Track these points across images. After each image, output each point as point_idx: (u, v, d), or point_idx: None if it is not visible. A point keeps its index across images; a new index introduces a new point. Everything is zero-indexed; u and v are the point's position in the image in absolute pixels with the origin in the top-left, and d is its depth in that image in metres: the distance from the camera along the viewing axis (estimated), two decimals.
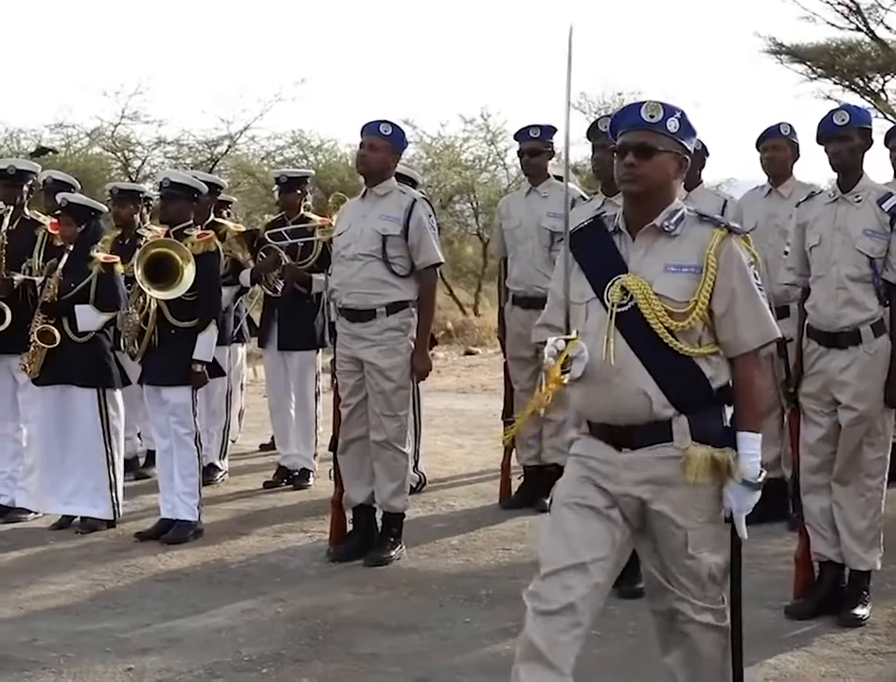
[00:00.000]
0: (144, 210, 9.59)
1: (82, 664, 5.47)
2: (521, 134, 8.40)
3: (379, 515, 7.21)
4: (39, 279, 8.10)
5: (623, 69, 49.50)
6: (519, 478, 8.49)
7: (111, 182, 13.69)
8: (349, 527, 7.28)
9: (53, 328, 7.82)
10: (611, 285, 3.85)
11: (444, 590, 6.52)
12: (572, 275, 3.98)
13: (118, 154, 23.85)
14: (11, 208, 8.43)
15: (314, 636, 5.80)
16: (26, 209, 8.44)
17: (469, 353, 18.98)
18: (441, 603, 6.29)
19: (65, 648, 5.68)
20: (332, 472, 7.37)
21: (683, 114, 3.89)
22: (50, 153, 21.83)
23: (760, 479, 3.85)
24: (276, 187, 9.75)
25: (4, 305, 8.12)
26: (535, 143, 8.26)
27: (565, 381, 3.80)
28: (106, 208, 8.60)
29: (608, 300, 3.85)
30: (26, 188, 8.43)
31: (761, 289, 3.91)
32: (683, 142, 3.90)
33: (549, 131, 8.28)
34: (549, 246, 8.06)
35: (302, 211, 9.32)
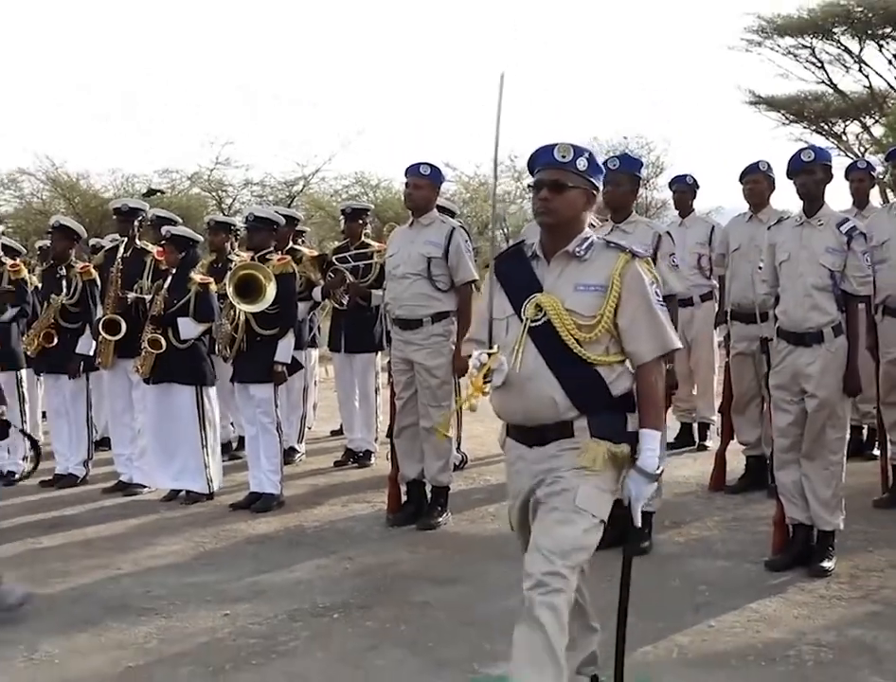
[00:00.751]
0: (234, 239, 9.66)
1: (188, 610, 5.52)
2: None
3: (428, 488, 7.25)
4: (148, 297, 8.17)
5: (626, 116, 49.30)
6: None
7: (207, 216, 13.78)
8: (404, 498, 7.31)
9: (160, 337, 7.90)
10: (527, 302, 3.75)
11: (483, 550, 6.53)
12: (496, 294, 3.88)
13: (213, 194, 24.07)
14: (125, 239, 8.54)
15: (376, 587, 5.84)
16: (137, 240, 8.53)
17: None
18: (480, 560, 6.30)
19: (173, 597, 5.73)
20: (390, 453, 7.41)
21: (591, 154, 3.80)
22: (158, 194, 22.00)
23: (657, 472, 3.72)
24: (342, 217, 9.81)
25: (119, 319, 8.21)
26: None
27: (487, 390, 3.73)
28: (202, 238, 8.66)
29: (524, 316, 3.75)
30: (136, 222, 8.53)
31: (662, 305, 3.79)
32: (591, 179, 3.80)
33: None
34: None
35: (363, 238, 9.37)
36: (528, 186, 3.94)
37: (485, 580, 5.93)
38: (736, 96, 30.46)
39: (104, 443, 9.54)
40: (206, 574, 6.20)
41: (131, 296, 8.28)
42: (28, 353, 8.92)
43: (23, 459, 9.05)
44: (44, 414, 10.24)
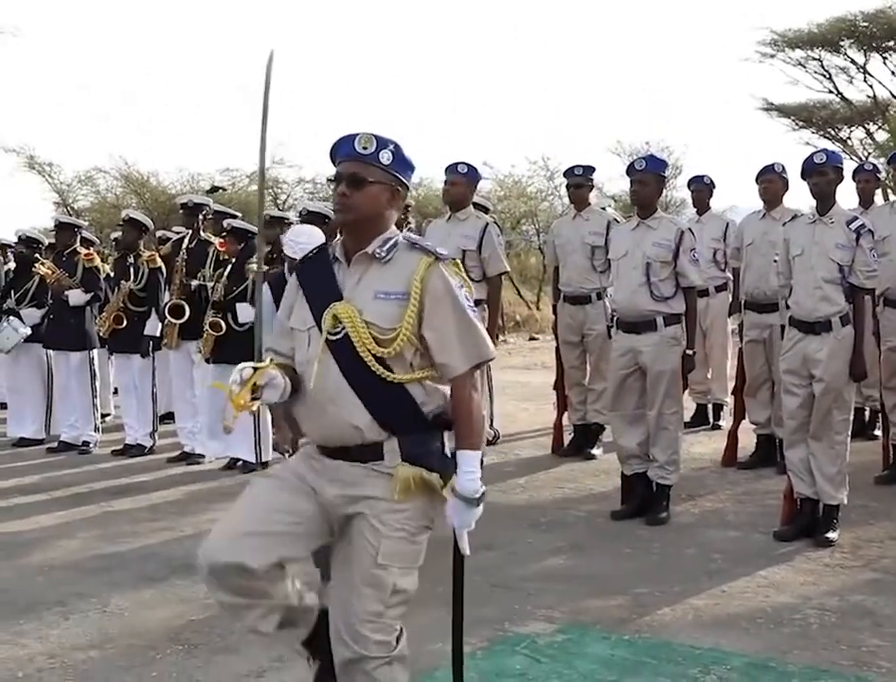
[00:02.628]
0: (282, 231, 9.66)
1: None
2: (568, 172, 8.36)
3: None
4: (210, 284, 8.20)
5: (650, 121, 48.92)
6: (569, 434, 8.47)
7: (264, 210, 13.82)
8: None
9: (220, 320, 7.92)
10: (326, 313, 3.05)
11: (513, 518, 6.52)
12: (297, 302, 3.20)
13: (270, 190, 24.11)
14: (190, 232, 8.58)
15: None
16: (200, 232, 8.57)
17: (532, 339, 18.95)
18: (510, 528, 6.28)
19: None
20: None
21: (397, 146, 3.12)
22: (220, 191, 22.09)
23: (477, 496, 3.04)
24: None
25: (184, 304, 8.25)
26: (579, 178, 8.22)
27: (254, 408, 3.05)
28: (257, 230, 8.65)
29: (323, 328, 3.06)
30: (200, 216, 8.57)
31: (473, 310, 3.12)
32: (397, 174, 3.11)
33: (590, 169, 8.24)
34: (590, 257, 8.04)
35: (405, 231, 9.33)
36: (328, 179, 3.47)
37: (516, 546, 5.92)
38: (750, 103, 30.29)
39: (169, 417, 9.59)
40: None
41: (194, 283, 8.32)
42: (101, 334, 8.99)
43: (94, 430, 9.12)
44: (115, 390, 10.32)
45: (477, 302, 6.95)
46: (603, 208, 8.69)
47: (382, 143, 3.09)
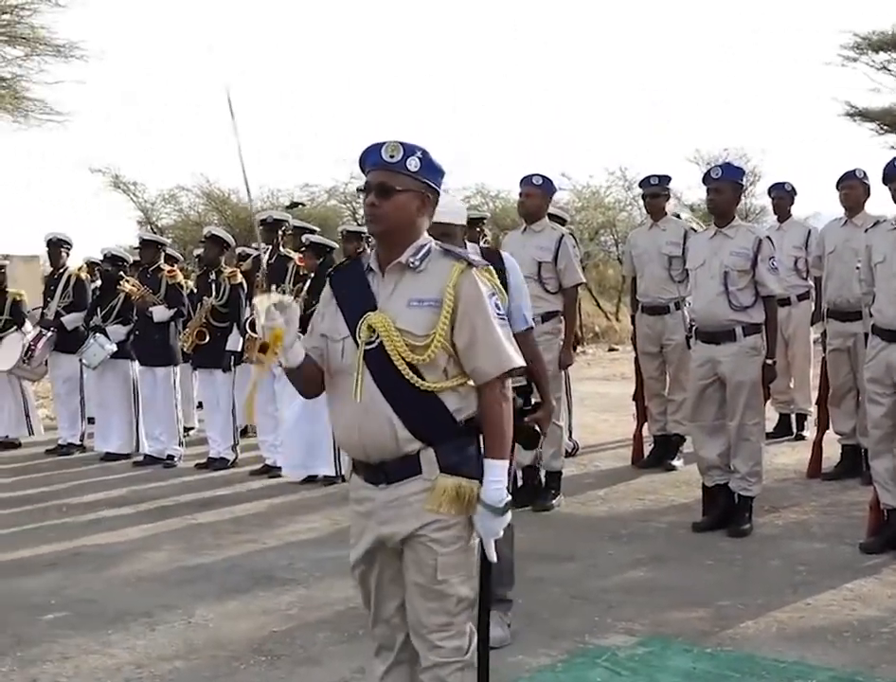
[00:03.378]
0: (366, 246, 9.75)
1: (325, 581, 5.58)
2: (644, 182, 8.33)
3: (542, 473, 7.22)
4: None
5: (729, 127, 48.30)
6: (650, 445, 8.41)
7: (342, 226, 13.95)
8: (520, 483, 7.29)
9: (301, 334, 7.99)
10: (361, 323, 3.04)
11: (592, 529, 6.49)
12: (331, 313, 3.19)
13: (348, 205, 24.33)
14: (270, 247, 8.69)
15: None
16: (280, 248, 8.67)
17: (611, 350, 18.86)
18: (591, 540, 6.26)
19: (313, 569, 5.81)
20: None
21: (425, 153, 3.07)
22: (300, 206, 22.34)
23: (502, 505, 2.98)
24: None
25: None
26: (655, 188, 8.18)
27: (273, 362, 3.08)
28: (337, 245, 8.76)
29: (359, 338, 3.04)
30: (280, 232, 8.68)
31: (502, 319, 3.08)
32: (426, 180, 3.07)
33: (666, 179, 8.20)
34: (668, 267, 8.00)
35: (481, 244, 9.36)
36: (358, 189, 3.35)
37: (596, 557, 5.89)
38: (832, 108, 29.74)
39: (250, 430, 9.71)
40: (342, 549, 6.20)
41: None
42: (184, 350, 9.15)
43: (178, 444, 9.28)
44: (199, 404, 10.48)
45: (553, 314, 6.99)
46: (677, 216, 8.60)
47: (409, 150, 3.05)
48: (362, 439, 3.04)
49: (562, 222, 8.37)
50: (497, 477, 2.99)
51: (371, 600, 3.20)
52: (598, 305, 22.34)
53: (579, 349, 14.65)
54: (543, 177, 7.12)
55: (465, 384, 3.05)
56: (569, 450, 8.38)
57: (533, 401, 4.48)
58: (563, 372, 7.27)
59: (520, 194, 7.25)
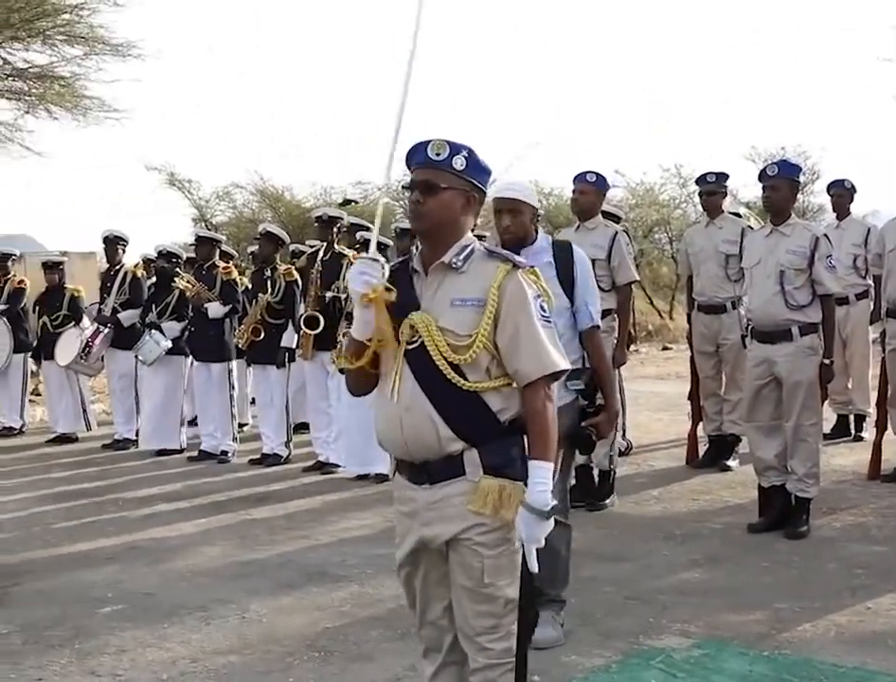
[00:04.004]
0: (419, 243, 9.76)
1: (378, 578, 5.59)
2: (701, 179, 8.25)
3: (596, 473, 7.19)
4: (344, 296, 8.30)
5: (787, 125, 47.56)
6: (704, 445, 8.34)
7: (395, 223, 13.99)
8: (573, 481, 7.25)
9: None
10: (403, 323, 3.05)
11: (647, 530, 6.46)
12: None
13: (401, 203, 24.37)
14: (325, 245, 8.71)
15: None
16: (335, 245, 8.70)
17: (665, 348, 18.75)
18: (645, 540, 6.23)
19: (365, 566, 5.83)
20: None
21: (471, 151, 3.08)
22: (353, 203, 22.41)
23: (548, 509, 2.93)
24: None
25: (319, 315, 8.38)
26: (711, 186, 8.11)
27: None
28: (392, 243, 8.77)
29: (401, 338, 3.04)
30: (334, 229, 8.69)
31: (547, 321, 3.05)
32: (471, 179, 3.07)
33: (723, 176, 8.11)
34: (724, 266, 7.92)
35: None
36: (403, 187, 3.26)
37: (650, 558, 5.85)
38: (892, 105, 29.29)
39: (304, 427, 9.77)
40: (394, 546, 6.26)
41: (329, 294, 8.44)
42: (239, 346, 9.21)
43: (232, 440, 9.35)
44: (253, 400, 10.55)
45: (607, 312, 6.95)
46: (735, 214, 8.51)
47: (455, 149, 3.06)
48: (405, 437, 3.04)
49: (616, 219, 8.32)
50: (542, 480, 2.95)
51: (417, 601, 3.20)
52: (651, 303, 22.19)
53: (632, 347, 14.57)
54: (597, 174, 7.08)
55: (509, 384, 3.04)
56: (623, 449, 8.33)
57: (598, 402, 4.44)
58: (616, 371, 7.22)
59: (573, 191, 7.21)
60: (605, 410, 4.48)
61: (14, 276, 11.27)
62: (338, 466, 8.55)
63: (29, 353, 11.04)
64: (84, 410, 10.84)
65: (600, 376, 4.53)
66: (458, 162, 3.05)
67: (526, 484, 2.97)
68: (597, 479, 7.16)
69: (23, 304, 11.03)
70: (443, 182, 3.04)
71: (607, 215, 7.74)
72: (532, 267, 3.13)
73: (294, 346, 8.85)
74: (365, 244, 8.23)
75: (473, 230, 3.16)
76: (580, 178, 7.08)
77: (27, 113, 16.22)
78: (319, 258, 8.63)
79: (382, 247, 8.24)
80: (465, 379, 2.99)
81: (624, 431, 8.60)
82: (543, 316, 3.04)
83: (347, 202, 22.19)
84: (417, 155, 3.09)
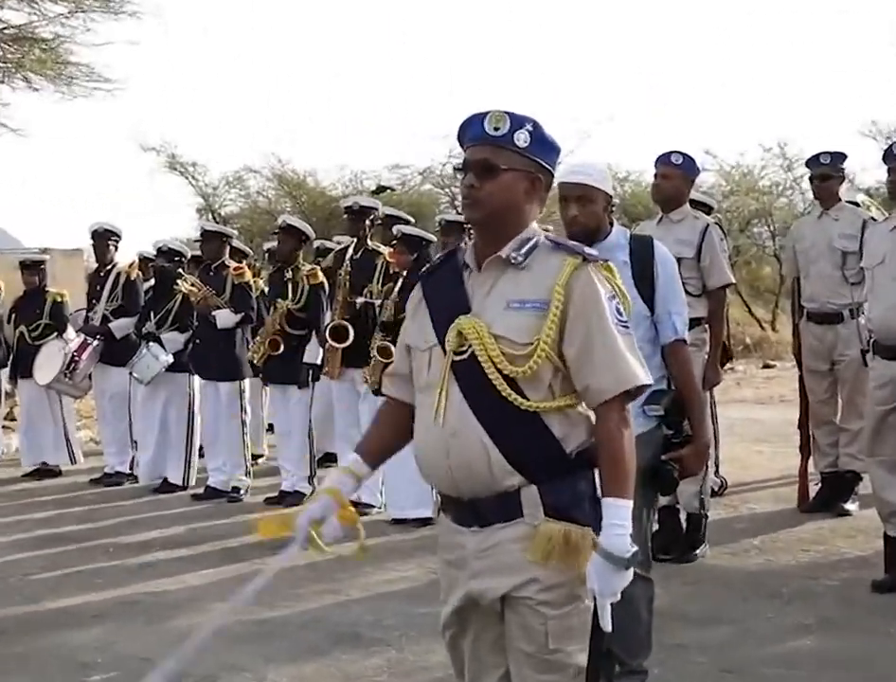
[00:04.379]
0: (468, 239, 9.80)
1: (421, 642, 5.59)
2: (812, 161, 8.21)
3: (683, 516, 7.16)
4: (378, 302, 8.36)
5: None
6: (816, 484, 8.28)
7: (439, 215, 14.02)
8: (655, 527, 7.24)
9: (391, 345, 8.05)
10: (450, 329, 3.03)
11: (746, 586, 6.43)
12: (420, 318, 3.19)
13: (446, 190, 24.43)
14: (355, 240, 8.77)
15: None
16: (367, 241, 8.75)
17: (766, 366, 18.63)
18: (744, 599, 6.20)
19: (406, 627, 5.84)
20: None
21: (536, 125, 3.05)
22: (388, 191, 22.50)
23: (627, 556, 2.89)
24: None
25: (348, 325, 8.43)
26: (826, 169, 8.06)
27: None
28: (435, 238, 8.81)
29: (447, 347, 3.03)
30: (367, 222, 8.75)
31: (624, 326, 3.02)
32: (536, 158, 3.05)
33: (839, 157, 8.07)
34: (841, 265, 7.87)
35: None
36: (455, 169, 3.27)
37: (750, 621, 5.83)
38: None
39: (330, 459, 9.82)
40: (439, 604, 6.28)
41: (360, 300, 8.49)
42: (254, 362, 9.27)
43: (245, 474, 9.41)
44: (270, 427, 10.61)
45: (696, 321, 6.93)
46: (855, 204, 8.46)
47: (517, 122, 3.04)
48: (451, 468, 3.01)
49: (707, 209, 8.30)
50: (619, 521, 2.92)
51: (466, 670, 3.19)
52: (749, 312, 22.08)
53: (727, 365, 14.50)
54: (683, 155, 7.06)
55: (576, 406, 3.03)
56: (716, 488, 8.30)
57: (685, 432, 4.40)
58: (707, 393, 7.20)
59: (655, 176, 7.19)
60: (693, 441, 4.46)
61: None
62: (372, 506, 8.58)
63: (3, 370, 11.17)
64: (68, 439, 10.89)
65: (687, 399, 4.50)
66: (521, 137, 3.03)
67: (595, 529, 2.95)
68: (685, 525, 7.14)
69: None
70: (503, 162, 3.02)
71: (696, 204, 7.73)
72: (606, 261, 3.10)
73: (318, 362, 8.91)
74: (403, 240, 8.24)
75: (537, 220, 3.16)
76: (663, 160, 7.07)
77: (2, 82, 16.40)
78: (349, 256, 8.68)
79: (424, 243, 8.27)
80: (524, 397, 2.96)
81: (717, 467, 8.56)
82: (619, 320, 3.01)
83: (381, 189, 22.31)
84: (471, 130, 3.08)
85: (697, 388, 4.74)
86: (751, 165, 22.57)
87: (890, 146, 6.33)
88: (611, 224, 4.57)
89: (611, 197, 4.56)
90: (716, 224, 7.31)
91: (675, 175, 7.06)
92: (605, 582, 2.90)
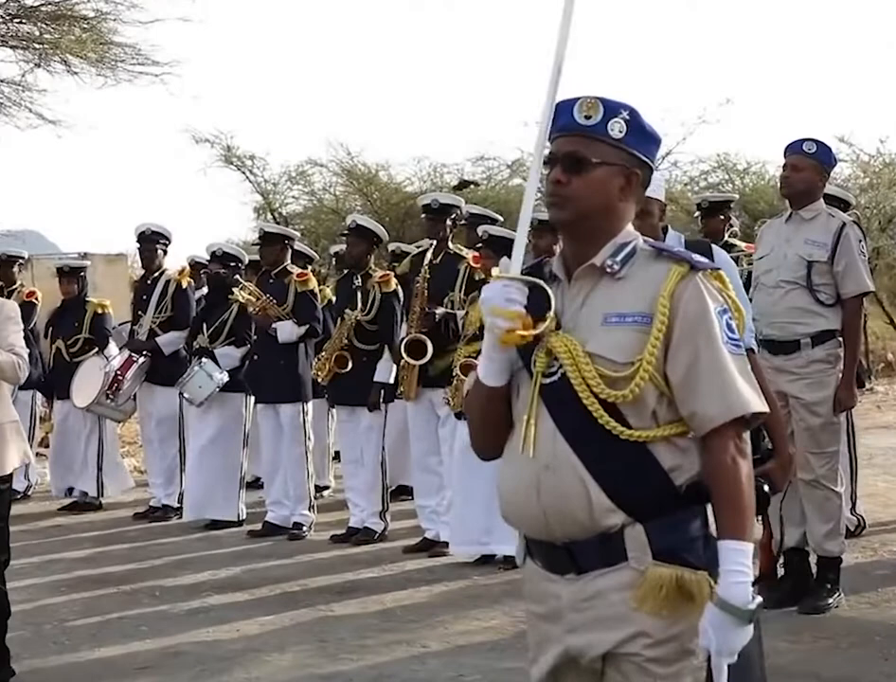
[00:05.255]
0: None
1: None
2: None
3: (813, 560, 7.08)
4: (461, 313, 8.35)
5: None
6: None
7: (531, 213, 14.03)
8: (781, 571, 7.18)
9: (476, 361, 8.04)
10: (538, 348, 3.00)
11: (889, 643, 6.33)
12: None
13: (540, 184, 24.39)
14: (434, 243, 8.76)
15: None
16: (449, 243, 8.75)
17: None
18: (886, 657, 6.11)
19: None
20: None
21: (633, 113, 3.03)
22: (472, 186, 22.49)
23: (750, 607, 2.84)
24: (697, 213, 9.77)
25: (426, 339, 8.42)
26: None
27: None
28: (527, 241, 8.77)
29: (534, 369, 3.01)
30: (448, 222, 8.74)
31: (735, 344, 2.98)
32: (634, 151, 3.04)
33: None
34: None
35: (727, 237, 9.28)
36: (544, 162, 3.13)
37: None
38: None
39: (404, 492, 9.84)
40: (529, 660, 6.28)
41: (440, 311, 8.49)
42: (319, 381, 9.31)
43: (308, 509, 9.46)
44: (336, 454, 10.64)
45: (829, 334, 6.88)
46: None
47: (611, 109, 3.02)
48: (542, 507, 2.99)
49: (844, 206, 8.22)
50: (739, 567, 2.87)
51: None
52: (892, 323, 21.81)
53: (865, 385, 14.36)
54: (817, 143, 7.01)
55: (685, 434, 2.98)
56: (852, 528, 8.22)
57: (764, 447, 4.44)
58: (842, 417, 7.12)
59: (784, 167, 7.15)
60: (776, 455, 4.48)
61: (23, 286, 11.59)
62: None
63: (37, 391, 11.32)
64: (100, 468, 10.92)
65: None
66: (616, 127, 3.01)
67: (711, 573, 2.90)
68: (815, 570, 7.06)
69: (32, 324, 11.15)
70: (595, 155, 3.00)
71: (831, 200, 7.65)
72: (717, 270, 3.06)
73: (392, 381, 8.93)
74: (489, 242, 8.25)
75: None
76: (793, 148, 7.02)
77: (38, 66, 16.46)
78: (427, 261, 8.69)
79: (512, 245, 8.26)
80: (625, 425, 2.93)
81: (854, 503, 8.47)
82: (731, 339, 2.98)
83: (465, 184, 22.29)
84: (560, 118, 3.06)
85: (774, 399, 4.75)
86: (893, 153, 22.29)
87: (799, 141, 6.32)
88: (664, 231, 4.62)
89: (665, 205, 4.61)
90: (854, 222, 7.23)
91: (808, 166, 7.01)
92: (723, 637, 2.86)
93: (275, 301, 9.37)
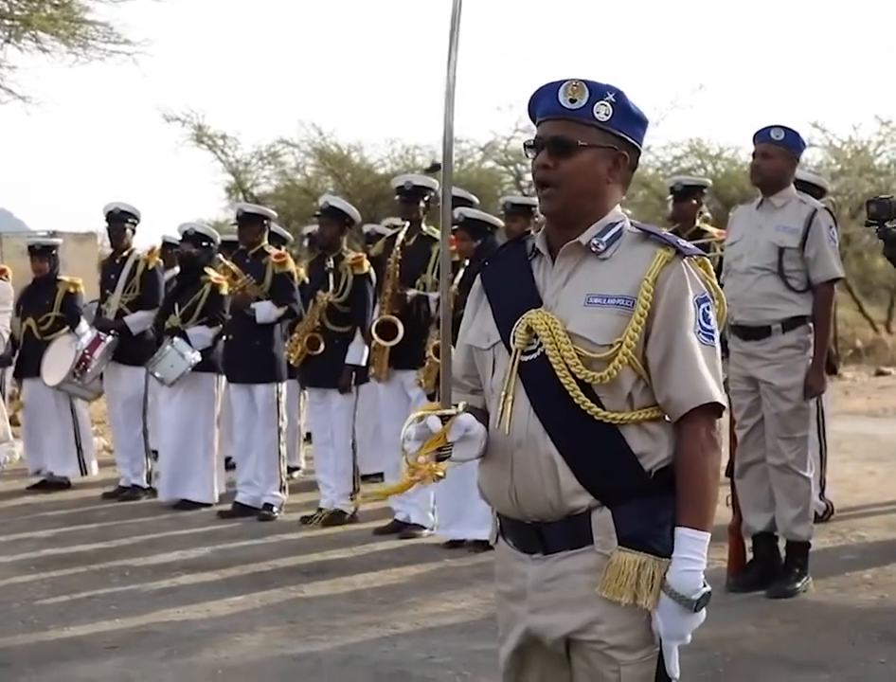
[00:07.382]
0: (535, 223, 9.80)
1: None
2: None
3: (782, 544, 7.13)
4: (433, 295, 8.35)
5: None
6: None
7: (503, 196, 14.02)
8: (750, 556, 7.22)
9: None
10: (517, 324, 3.01)
11: (856, 627, 6.36)
12: (481, 313, 3.18)
13: (511, 168, 24.40)
14: (407, 224, 8.74)
15: (715, 667, 5.77)
16: (422, 225, 8.75)
17: (880, 373, 18.53)
18: (853, 641, 6.14)
19: (461, 667, 5.84)
20: (730, 497, 7.31)
21: (619, 95, 3.02)
22: None
23: (696, 596, 2.89)
24: (670, 197, 9.78)
25: (397, 320, 8.43)
26: None
27: (441, 473, 2.97)
28: (501, 223, 8.82)
29: (513, 345, 3.01)
30: (422, 203, 8.74)
31: (708, 336, 2.99)
32: (620, 133, 3.03)
33: None
34: None
35: (698, 223, 9.30)
36: (526, 146, 3.14)
37: (860, 666, 5.78)
38: None
39: (375, 474, 9.84)
40: (499, 640, 6.29)
41: (411, 293, 8.49)
42: (291, 362, 9.31)
43: (280, 490, 9.46)
44: (308, 436, 10.64)
45: (799, 320, 6.91)
46: None
47: (597, 92, 3.01)
48: (514, 485, 3.00)
49: (819, 192, 8.25)
50: (693, 555, 2.91)
51: None
52: (861, 311, 21.92)
53: (835, 371, 14.43)
54: (786, 130, 7.03)
55: (658, 420, 3.00)
56: (820, 513, 8.27)
57: None
58: (812, 403, 7.16)
59: (753, 154, 7.17)
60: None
61: None
62: (423, 528, 8.64)
63: (8, 369, 11.29)
64: (79, 447, 10.94)
65: None
66: (603, 110, 3.00)
67: None
68: (783, 554, 7.10)
69: None
70: (582, 138, 3.00)
71: (806, 186, 7.68)
72: (702, 256, 3.08)
73: (364, 362, 8.93)
74: (465, 224, 8.22)
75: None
76: (762, 136, 7.04)
77: (8, 42, 16.45)
78: (399, 242, 8.68)
79: (489, 228, 8.27)
80: (601, 406, 2.94)
81: (822, 489, 8.53)
82: (704, 330, 2.98)
83: (437, 166, 22.25)
84: (544, 102, 3.06)
85: None
86: (865, 140, 22.38)
87: (767, 128, 6.38)
88: None
89: None
90: (826, 209, 7.25)
91: (777, 153, 7.03)
92: (672, 623, 2.91)
93: (254, 281, 9.36)
